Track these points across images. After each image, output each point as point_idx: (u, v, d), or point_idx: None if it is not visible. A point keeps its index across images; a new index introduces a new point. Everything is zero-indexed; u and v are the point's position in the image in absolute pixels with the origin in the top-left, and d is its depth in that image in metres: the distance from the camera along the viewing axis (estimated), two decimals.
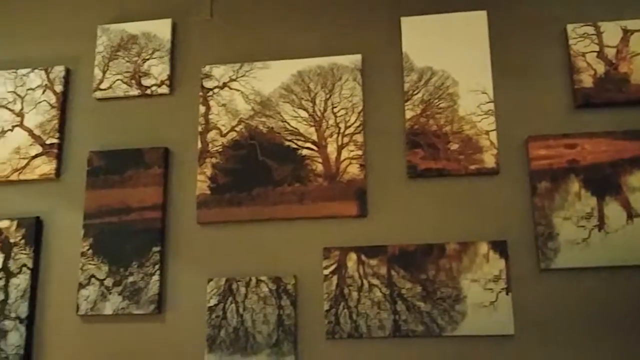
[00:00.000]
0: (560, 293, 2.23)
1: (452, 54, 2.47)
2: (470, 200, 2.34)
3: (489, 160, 2.35)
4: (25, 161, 2.59)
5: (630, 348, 2.15)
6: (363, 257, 2.32)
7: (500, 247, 2.27)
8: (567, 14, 2.45)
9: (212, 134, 2.51)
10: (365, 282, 2.30)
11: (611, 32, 2.41)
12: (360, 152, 2.41)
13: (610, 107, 2.36)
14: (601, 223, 2.26)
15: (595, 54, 2.40)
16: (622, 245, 2.23)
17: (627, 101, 2.35)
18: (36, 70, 2.68)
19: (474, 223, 2.32)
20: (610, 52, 2.40)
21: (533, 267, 2.26)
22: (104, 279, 2.42)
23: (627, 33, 2.40)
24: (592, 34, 2.42)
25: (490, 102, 2.40)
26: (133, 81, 2.62)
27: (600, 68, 2.38)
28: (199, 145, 2.50)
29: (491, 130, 2.37)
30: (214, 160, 2.48)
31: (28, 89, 2.67)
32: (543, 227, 2.28)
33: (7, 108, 2.67)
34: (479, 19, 2.50)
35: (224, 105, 2.53)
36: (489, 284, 2.25)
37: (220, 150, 2.49)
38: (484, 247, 2.27)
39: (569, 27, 2.43)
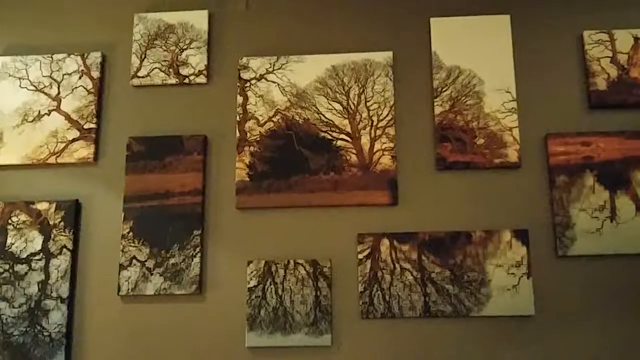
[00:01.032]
0: (576, 278, 2.44)
1: (478, 55, 2.64)
2: (495, 192, 2.52)
3: (512, 154, 2.53)
4: (63, 145, 2.66)
5: (639, 328, 2.37)
6: (395, 243, 2.48)
7: (522, 235, 2.46)
8: (583, 21, 2.65)
9: (250, 124, 2.63)
10: (397, 266, 2.46)
11: (623, 39, 2.61)
12: (392, 145, 2.56)
13: (622, 109, 2.56)
14: (613, 215, 2.47)
15: (609, 59, 2.61)
16: (632, 235, 2.45)
17: (637, 103, 2.56)
18: (72, 56, 2.75)
19: (497, 213, 2.50)
20: (623, 58, 2.60)
21: (551, 254, 2.46)
22: (145, 261, 2.52)
23: (638, 41, 2.61)
24: (607, 41, 2.62)
25: (513, 100, 2.58)
26: (171, 70, 2.71)
27: (613, 72, 2.59)
28: (237, 134, 2.62)
29: (514, 127, 2.56)
30: (252, 148, 2.60)
31: (64, 74, 2.73)
32: (561, 217, 2.47)
33: (43, 92, 2.72)
34: (502, 22, 2.67)
35: (261, 96, 2.65)
36: (511, 269, 2.43)
37: (258, 139, 2.61)
38: (507, 235, 2.46)
39: (585, 33, 2.63)
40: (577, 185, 2.50)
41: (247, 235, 2.54)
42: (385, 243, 2.47)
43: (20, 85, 2.73)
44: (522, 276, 2.42)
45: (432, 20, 2.68)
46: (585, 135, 2.54)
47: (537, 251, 2.46)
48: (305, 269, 2.47)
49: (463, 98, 2.59)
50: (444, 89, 2.60)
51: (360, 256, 2.47)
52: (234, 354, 2.43)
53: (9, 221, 2.59)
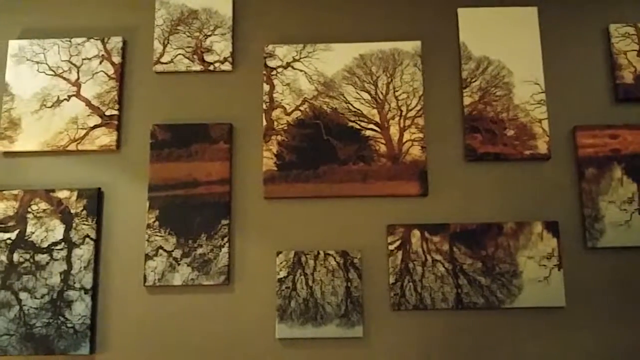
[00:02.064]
0: (605, 269, 2.45)
1: (507, 46, 2.63)
2: (525, 183, 2.52)
3: (541, 146, 2.53)
4: (84, 132, 2.59)
5: None
6: (426, 234, 2.46)
7: (552, 227, 2.46)
8: (609, 15, 2.66)
9: (276, 112, 2.58)
10: (428, 257, 2.44)
11: None
12: (421, 135, 2.54)
13: None
14: None
15: (636, 52, 2.62)
16: None
17: None
18: (92, 40, 2.67)
19: (527, 204, 2.50)
20: None
21: (581, 245, 2.47)
22: (172, 251, 2.47)
23: None
24: (633, 34, 2.63)
25: (542, 92, 2.58)
26: (195, 56, 2.65)
27: None
28: (264, 122, 2.57)
29: (543, 119, 2.55)
30: (279, 137, 2.56)
31: (84, 59, 2.66)
32: (590, 209, 2.48)
33: (62, 77, 2.65)
34: (530, 14, 2.66)
35: (288, 84, 2.60)
36: (542, 261, 2.43)
37: (285, 128, 2.57)
38: (538, 227, 2.46)
39: (612, 27, 2.64)
40: (605, 178, 2.51)
41: (275, 225, 2.50)
42: (416, 234, 2.45)
43: (38, 70, 2.65)
44: (553, 268, 2.42)
45: (460, 10, 2.66)
46: (612, 127, 2.55)
47: (566, 243, 2.46)
48: (335, 260, 2.44)
49: (492, 89, 2.58)
50: (474, 80, 2.59)
51: (390, 247, 2.45)
52: (264, 345, 2.39)
53: (29, 209, 2.51)
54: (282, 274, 2.43)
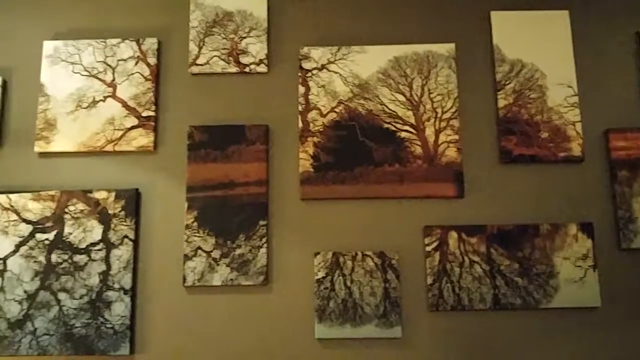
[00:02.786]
0: (639, 270, 2.47)
1: (539, 49, 2.65)
2: (559, 185, 2.55)
3: (575, 148, 2.56)
4: (121, 132, 2.60)
5: None
6: (463, 236, 2.48)
7: (587, 228, 2.49)
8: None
9: (312, 114, 2.60)
10: (466, 258, 2.47)
11: None
12: (456, 137, 2.56)
13: None
14: None
15: None
16: None
17: None
18: (127, 41, 2.68)
19: (562, 206, 2.53)
20: None
21: (615, 246, 2.49)
22: (211, 251, 2.48)
23: None
24: None
25: (574, 95, 2.61)
26: (231, 58, 2.66)
27: None
28: (300, 124, 2.58)
29: (576, 122, 2.58)
30: (315, 139, 2.58)
31: (119, 60, 2.66)
32: (623, 211, 2.51)
33: (97, 78, 2.65)
34: (561, 17, 2.69)
35: (323, 86, 2.62)
36: (578, 262, 2.46)
37: (321, 129, 2.59)
38: (573, 228, 2.49)
39: None
40: (638, 180, 2.54)
41: (313, 226, 2.52)
42: (453, 236, 2.47)
43: (73, 71, 2.66)
44: (588, 268, 2.45)
45: (493, 13, 2.69)
46: None
47: (601, 244, 2.49)
48: (373, 261, 2.46)
49: (526, 91, 2.61)
50: (508, 82, 2.61)
51: (428, 248, 2.47)
52: (304, 345, 2.41)
53: (66, 210, 2.52)
54: (321, 274, 2.45)
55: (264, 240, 2.48)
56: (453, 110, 2.58)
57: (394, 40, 2.67)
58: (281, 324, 2.44)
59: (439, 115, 2.58)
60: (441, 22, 2.69)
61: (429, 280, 2.45)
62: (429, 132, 2.57)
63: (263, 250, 2.47)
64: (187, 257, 2.47)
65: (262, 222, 2.49)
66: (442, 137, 2.56)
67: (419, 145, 2.55)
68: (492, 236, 2.48)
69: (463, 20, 2.69)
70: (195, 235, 2.48)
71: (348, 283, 2.44)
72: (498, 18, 2.69)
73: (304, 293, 2.46)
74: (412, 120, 2.58)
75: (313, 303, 2.45)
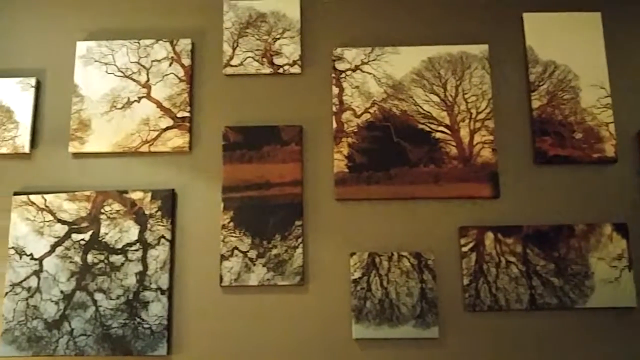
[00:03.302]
0: None
1: (572, 50, 2.66)
2: (593, 186, 2.56)
3: (609, 149, 2.57)
4: (156, 133, 2.60)
5: None
6: (499, 236, 2.49)
7: (621, 228, 2.50)
8: None
9: (346, 115, 2.61)
10: (502, 259, 2.47)
11: None
12: (491, 137, 2.57)
13: None
14: None
15: None
16: None
17: None
18: (160, 42, 2.69)
19: (597, 207, 2.54)
20: None
21: None
22: (247, 251, 2.49)
23: None
24: None
25: (607, 96, 2.61)
26: (264, 59, 2.67)
27: None
28: (334, 125, 2.59)
29: (610, 122, 2.59)
30: (349, 140, 2.58)
31: (153, 61, 2.67)
32: None
33: (131, 78, 2.66)
34: (594, 19, 2.70)
35: (357, 87, 2.63)
36: (613, 262, 2.47)
37: (355, 130, 2.59)
38: (607, 229, 2.50)
39: None
40: None
41: (348, 226, 2.52)
42: (489, 236, 2.48)
43: (107, 71, 2.66)
44: (623, 269, 2.46)
45: (525, 15, 2.69)
46: None
47: (636, 244, 2.49)
48: (409, 261, 2.46)
49: (560, 93, 2.61)
50: (541, 83, 2.62)
51: (464, 249, 2.48)
52: (341, 345, 2.42)
53: (102, 211, 2.52)
54: (357, 275, 2.45)
55: (299, 240, 2.48)
56: (487, 110, 2.59)
57: (427, 41, 2.68)
58: (318, 324, 2.44)
59: (473, 115, 2.59)
60: (474, 23, 2.70)
61: (466, 281, 2.45)
62: (464, 132, 2.57)
63: (299, 250, 2.47)
64: (223, 257, 2.47)
65: (297, 223, 2.50)
66: (477, 138, 2.56)
67: (454, 145, 2.56)
68: (528, 236, 2.49)
69: (496, 22, 2.70)
70: (232, 236, 2.49)
71: (384, 283, 2.44)
72: (530, 20, 2.70)
73: (340, 293, 2.46)
74: (447, 121, 2.58)
75: (349, 303, 2.45)
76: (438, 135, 2.58)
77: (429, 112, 2.60)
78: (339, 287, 2.47)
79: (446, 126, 2.58)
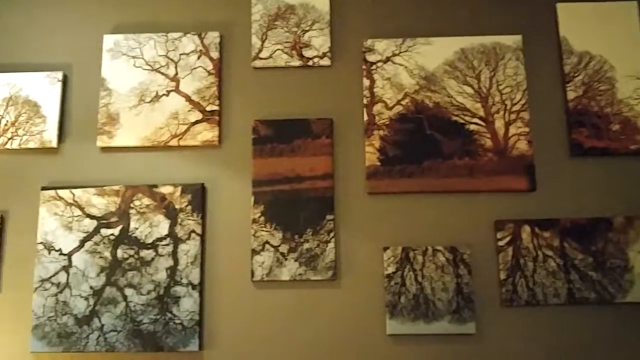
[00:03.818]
0: None
1: (607, 41, 2.61)
2: (631, 178, 2.50)
3: None
4: (185, 127, 2.57)
5: None
6: (537, 230, 2.43)
7: None
8: None
9: (378, 107, 2.56)
10: (539, 253, 2.42)
11: None
12: (527, 129, 2.52)
13: None
14: None
15: None
16: None
17: None
18: (189, 35, 2.65)
19: (635, 199, 2.48)
20: None
21: None
22: (279, 246, 2.45)
23: None
24: None
25: None
26: (294, 52, 2.63)
27: None
28: (365, 117, 2.55)
29: None
30: (381, 132, 2.54)
31: (181, 54, 2.64)
32: None
33: (159, 72, 2.63)
34: (629, 9, 2.64)
35: (388, 79, 2.58)
36: None
37: (387, 123, 2.55)
38: None
39: None
40: None
41: (380, 220, 2.48)
42: (526, 230, 2.43)
43: (134, 65, 2.63)
44: None
45: (559, 5, 2.64)
46: None
47: None
48: (444, 256, 2.41)
49: (595, 84, 2.56)
50: (576, 74, 2.57)
51: (501, 243, 2.43)
52: (375, 341, 2.37)
53: (131, 205, 2.49)
54: (390, 269, 2.41)
55: (331, 234, 2.44)
56: (522, 102, 2.54)
57: (459, 31, 2.64)
58: (351, 320, 2.40)
59: (508, 107, 2.54)
60: (507, 13, 2.65)
61: (502, 276, 2.40)
62: (499, 124, 2.52)
63: (331, 245, 2.43)
64: (254, 252, 2.44)
65: (329, 217, 2.45)
66: (512, 130, 2.51)
67: (488, 137, 2.51)
68: (565, 230, 2.43)
69: (529, 12, 2.65)
70: (263, 230, 2.45)
71: (419, 278, 2.40)
72: (564, 10, 2.65)
73: (373, 288, 2.42)
74: (481, 113, 2.53)
75: (383, 299, 2.40)
76: (472, 127, 2.53)
77: (462, 103, 2.55)
78: (372, 282, 2.43)
79: (480, 118, 2.53)
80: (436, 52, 2.61)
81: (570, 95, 2.55)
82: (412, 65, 2.59)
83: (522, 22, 2.64)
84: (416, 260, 2.42)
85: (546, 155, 2.51)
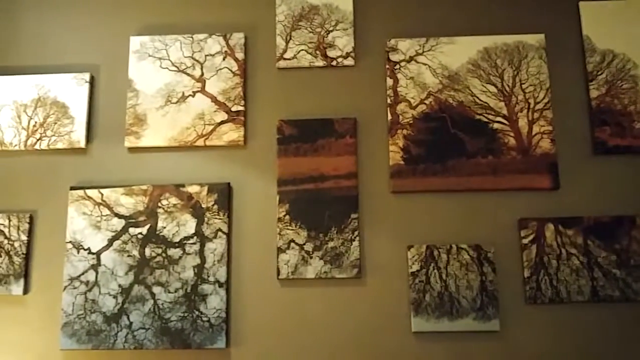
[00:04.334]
0: None
1: (631, 39, 2.61)
2: None
3: None
4: (211, 127, 2.60)
5: None
6: (560, 228, 2.44)
7: None
8: None
9: (401, 106, 2.58)
10: (563, 250, 2.43)
11: None
12: (550, 128, 2.53)
13: None
14: None
15: None
16: None
17: None
18: (214, 36, 2.69)
19: None
20: None
21: None
22: (304, 244, 2.47)
23: None
24: None
25: None
26: (318, 52, 2.65)
27: None
28: (389, 116, 2.57)
29: None
30: (405, 131, 2.56)
31: (207, 55, 2.67)
32: None
33: (185, 73, 2.66)
34: None
35: (411, 78, 2.60)
36: None
37: (411, 122, 2.57)
38: None
39: None
40: None
41: (404, 219, 2.50)
42: (550, 228, 2.44)
43: (161, 66, 2.67)
44: None
45: (581, 4, 2.65)
46: None
47: None
48: (468, 254, 2.43)
49: (619, 82, 2.56)
50: (599, 73, 2.57)
51: (524, 241, 2.44)
52: (400, 338, 2.40)
53: (159, 204, 2.53)
54: (415, 267, 2.43)
55: (355, 233, 2.47)
56: (546, 101, 2.55)
57: (483, 31, 2.65)
58: (376, 317, 2.42)
59: (531, 106, 2.55)
60: (530, 12, 2.66)
61: (526, 273, 2.42)
62: (522, 123, 2.54)
63: (355, 243, 2.46)
64: (280, 250, 2.47)
65: (353, 215, 2.48)
66: (536, 128, 2.53)
67: (512, 136, 2.52)
68: (589, 228, 2.44)
69: (552, 11, 2.66)
70: (288, 229, 2.48)
71: (443, 276, 2.42)
72: (587, 8, 2.65)
73: (398, 286, 2.44)
74: (505, 112, 2.55)
75: (408, 296, 2.43)
76: (496, 125, 2.54)
77: (486, 102, 2.56)
78: (396, 280, 2.45)
79: (504, 116, 2.55)
80: (459, 51, 2.62)
81: (593, 93, 2.56)
82: (435, 65, 2.61)
83: (545, 21, 2.65)
84: (440, 258, 2.44)
85: (569, 154, 2.52)
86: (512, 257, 2.44)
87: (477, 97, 2.57)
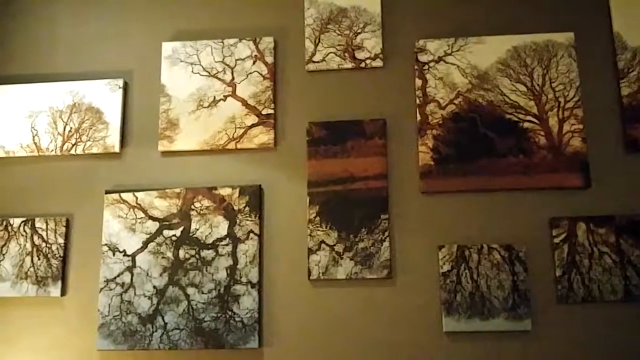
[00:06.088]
0: None
1: None
2: None
3: None
4: (242, 130, 2.64)
5: None
6: (592, 226, 2.43)
7: None
8: None
9: (430, 107, 2.59)
10: (595, 249, 2.41)
11: None
12: (580, 126, 2.51)
13: None
14: None
15: None
16: None
17: None
18: (244, 41, 2.72)
19: None
20: None
21: None
22: (334, 245, 2.49)
23: None
24: None
25: None
26: (346, 54, 2.68)
27: None
28: (418, 117, 2.58)
29: None
30: (434, 132, 2.56)
31: (237, 59, 2.71)
32: None
33: (216, 77, 2.70)
34: None
35: (440, 78, 2.61)
36: None
37: (440, 122, 2.57)
38: None
39: None
40: None
41: (435, 219, 2.51)
42: (581, 227, 2.43)
43: (192, 71, 2.71)
44: None
45: (612, 1, 2.62)
46: None
47: None
48: (500, 254, 2.42)
49: None
50: (631, 70, 2.55)
51: (556, 240, 2.43)
52: (431, 338, 2.40)
53: (192, 207, 2.57)
54: (446, 267, 2.44)
55: (386, 234, 2.48)
56: (576, 99, 2.54)
57: (511, 30, 2.64)
58: (407, 318, 2.43)
59: (561, 104, 2.54)
60: (558, 11, 2.64)
61: (558, 273, 2.41)
62: (553, 122, 2.53)
63: (386, 244, 2.47)
64: (311, 251, 2.49)
65: (383, 216, 2.49)
66: (566, 127, 2.52)
67: (542, 135, 2.51)
68: (621, 226, 2.42)
69: (581, 9, 2.64)
70: (318, 230, 2.50)
71: (475, 276, 2.42)
72: (617, 5, 2.64)
73: (429, 286, 2.45)
74: (535, 110, 2.54)
75: (439, 297, 2.43)
76: (526, 124, 2.54)
77: (516, 101, 2.56)
78: (427, 280, 2.46)
79: (534, 115, 2.54)
80: (488, 50, 2.62)
81: (625, 91, 2.54)
82: (464, 65, 2.61)
83: (574, 19, 2.64)
84: (471, 258, 2.44)
85: (601, 152, 2.51)
86: (544, 256, 2.43)
87: (507, 97, 2.56)
